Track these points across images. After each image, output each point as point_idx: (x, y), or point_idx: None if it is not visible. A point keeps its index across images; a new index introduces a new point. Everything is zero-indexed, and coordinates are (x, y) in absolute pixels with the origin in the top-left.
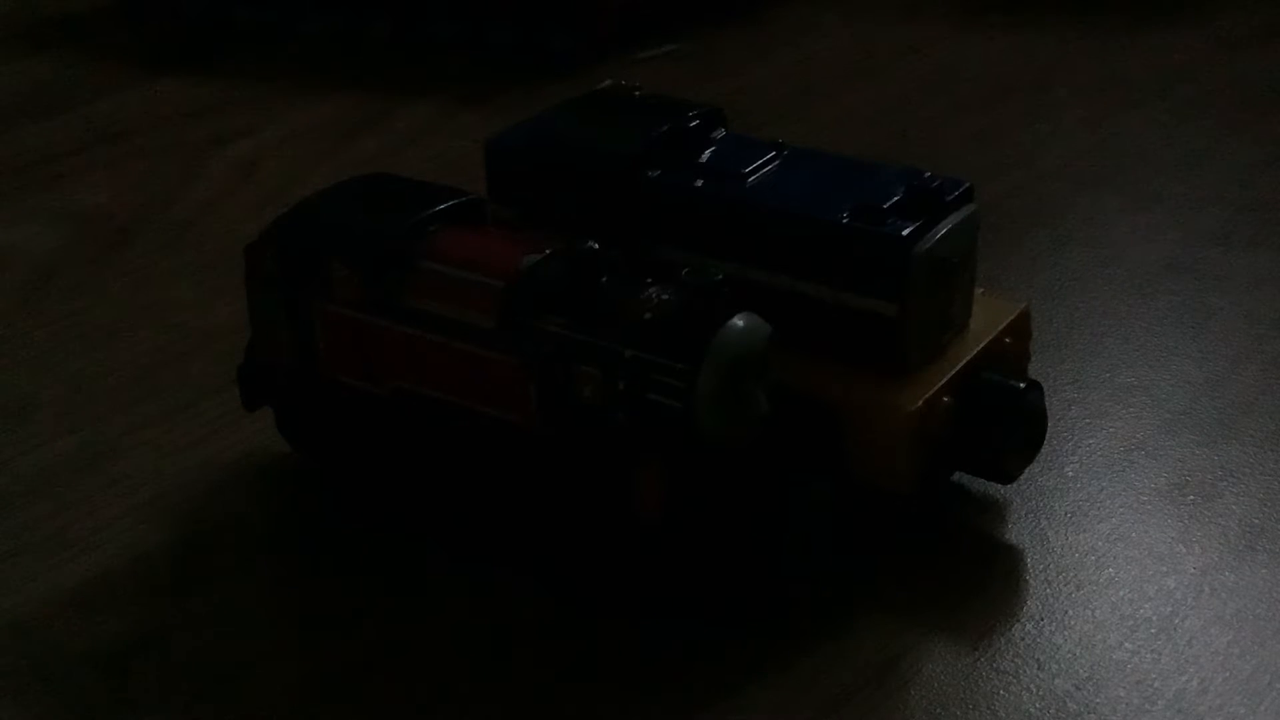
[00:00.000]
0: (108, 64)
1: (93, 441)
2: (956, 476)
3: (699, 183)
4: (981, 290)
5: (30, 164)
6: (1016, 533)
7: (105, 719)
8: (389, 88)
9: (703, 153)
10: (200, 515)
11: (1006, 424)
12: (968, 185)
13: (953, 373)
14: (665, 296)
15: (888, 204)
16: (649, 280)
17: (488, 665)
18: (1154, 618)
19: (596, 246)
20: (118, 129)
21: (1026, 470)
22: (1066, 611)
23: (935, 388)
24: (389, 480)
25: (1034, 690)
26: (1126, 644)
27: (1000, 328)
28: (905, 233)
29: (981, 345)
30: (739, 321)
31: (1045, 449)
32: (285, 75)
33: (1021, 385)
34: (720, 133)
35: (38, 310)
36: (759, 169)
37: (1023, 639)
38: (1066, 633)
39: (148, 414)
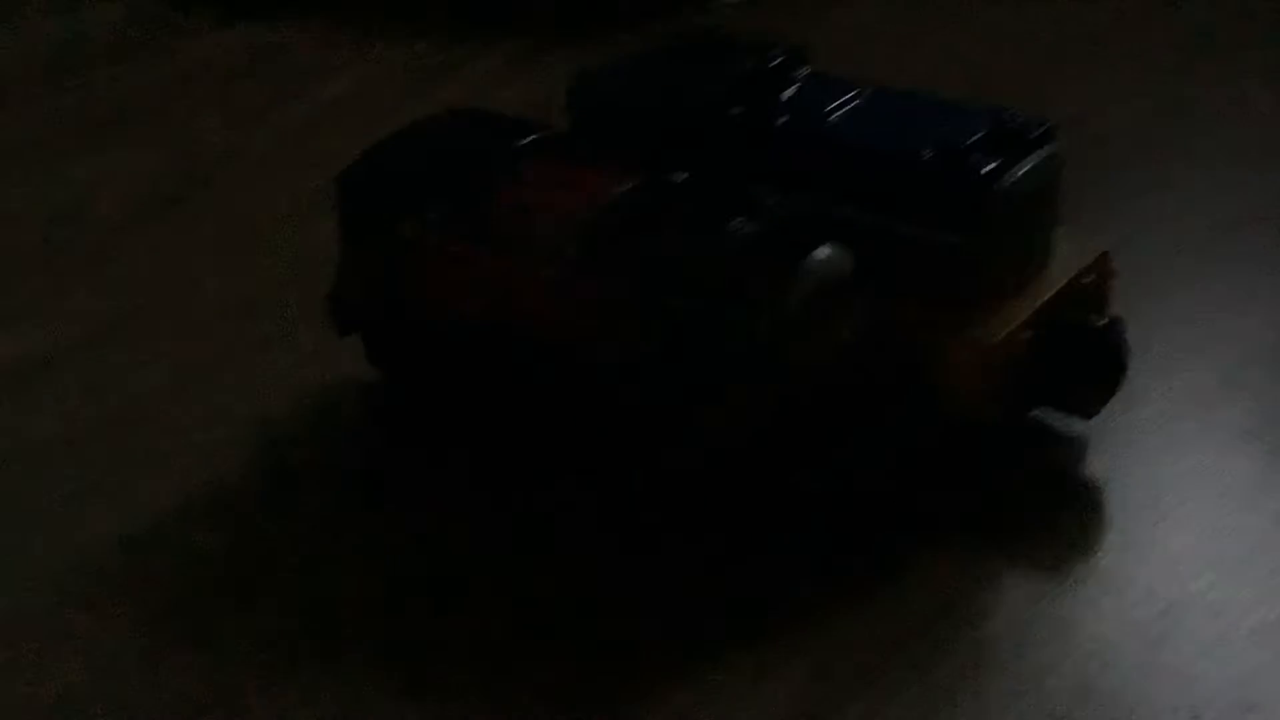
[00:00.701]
0: (184, 9)
1: (185, 369)
2: (1036, 412)
3: (782, 120)
4: (1063, 229)
5: (109, 106)
6: (1096, 468)
7: (172, 634)
8: (465, 34)
9: (785, 91)
10: (289, 443)
11: (1087, 359)
12: (1051, 124)
13: (1034, 308)
14: (750, 228)
15: (970, 141)
16: (733, 212)
17: (560, 598)
18: (1234, 552)
19: (681, 178)
20: (195, 70)
21: (1106, 407)
22: (1146, 545)
23: (1016, 322)
24: (473, 409)
25: (1113, 619)
26: (1206, 576)
27: (1082, 266)
28: (987, 169)
29: (1063, 283)
30: (822, 252)
31: (1126, 389)
32: (363, 19)
33: (1103, 321)
34: (803, 71)
35: (128, 243)
36: (841, 107)
37: (1102, 570)
38: (1145, 565)
39: (240, 342)
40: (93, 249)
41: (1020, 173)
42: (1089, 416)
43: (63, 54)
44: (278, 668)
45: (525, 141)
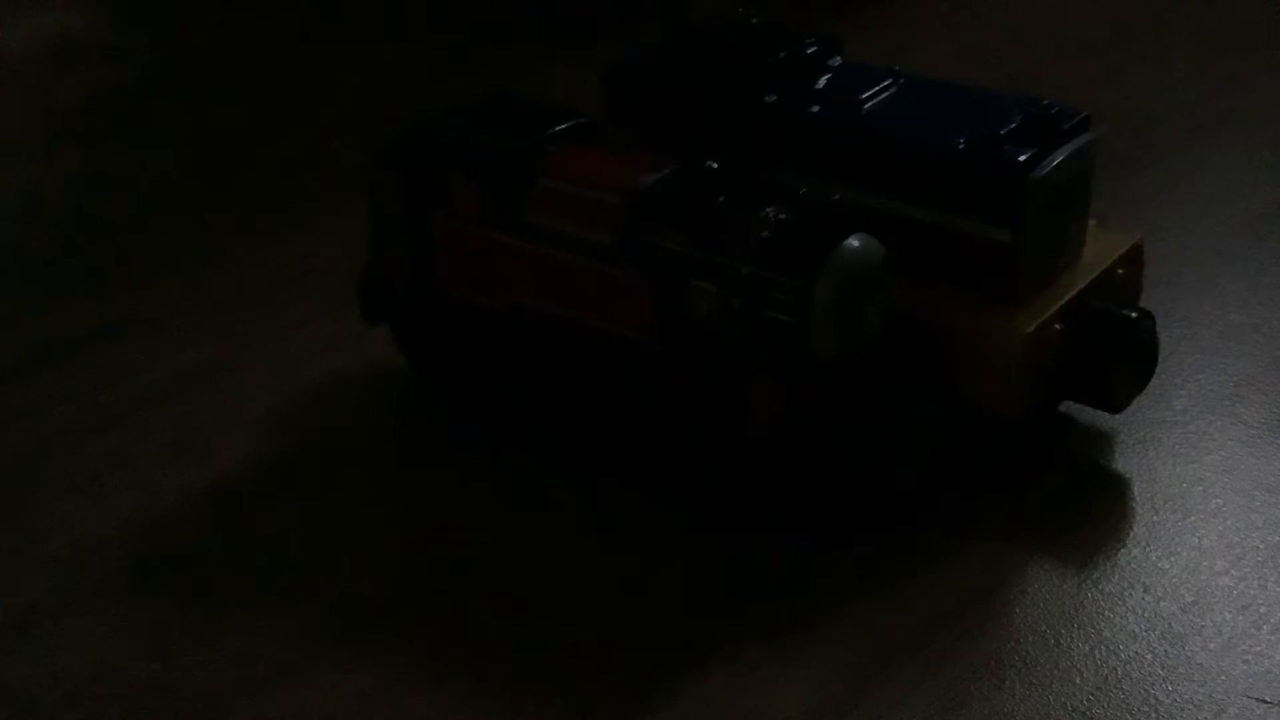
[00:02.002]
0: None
1: (217, 354)
2: (1064, 406)
3: (816, 108)
4: (1095, 222)
5: (149, 87)
6: (1124, 462)
7: (208, 612)
8: (499, 22)
9: (820, 79)
10: (316, 427)
11: (1117, 352)
12: (1085, 114)
13: (1065, 300)
14: (782, 216)
15: (1004, 130)
16: (766, 200)
17: (591, 583)
18: (1261, 546)
19: (715, 165)
20: (239, 54)
21: (1135, 402)
22: (1173, 538)
23: (1047, 314)
24: (504, 394)
25: (1139, 612)
26: (1233, 570)
27: (1113, 258)
28: (1021, 159)
29: (1094, 275)
30: (854, 241)
31: (1155, 383)
32: (399, 10)
33: (1133, 314)
34: (837, 60)
35: (163, 229)
36: (876, 95)
37: (1128, 564)
38: (1173, 558)
39: (270, 329)
40: (122, 237)
41: (1055, 162)
42: (1117, 410)
43: (74, 48)
44: (302, 652)
45: (560, 128)
